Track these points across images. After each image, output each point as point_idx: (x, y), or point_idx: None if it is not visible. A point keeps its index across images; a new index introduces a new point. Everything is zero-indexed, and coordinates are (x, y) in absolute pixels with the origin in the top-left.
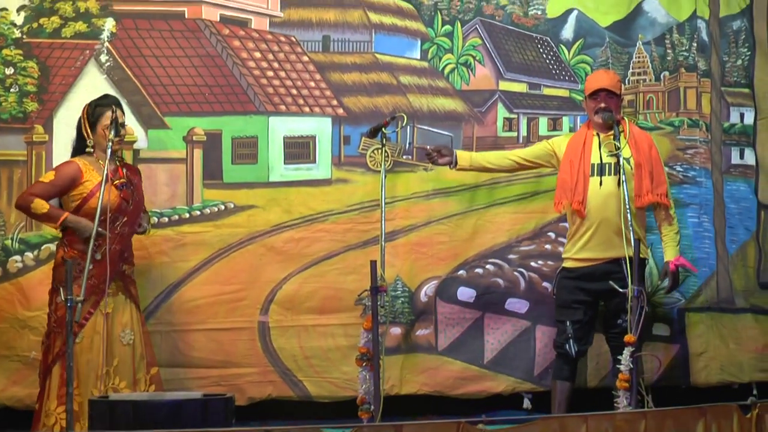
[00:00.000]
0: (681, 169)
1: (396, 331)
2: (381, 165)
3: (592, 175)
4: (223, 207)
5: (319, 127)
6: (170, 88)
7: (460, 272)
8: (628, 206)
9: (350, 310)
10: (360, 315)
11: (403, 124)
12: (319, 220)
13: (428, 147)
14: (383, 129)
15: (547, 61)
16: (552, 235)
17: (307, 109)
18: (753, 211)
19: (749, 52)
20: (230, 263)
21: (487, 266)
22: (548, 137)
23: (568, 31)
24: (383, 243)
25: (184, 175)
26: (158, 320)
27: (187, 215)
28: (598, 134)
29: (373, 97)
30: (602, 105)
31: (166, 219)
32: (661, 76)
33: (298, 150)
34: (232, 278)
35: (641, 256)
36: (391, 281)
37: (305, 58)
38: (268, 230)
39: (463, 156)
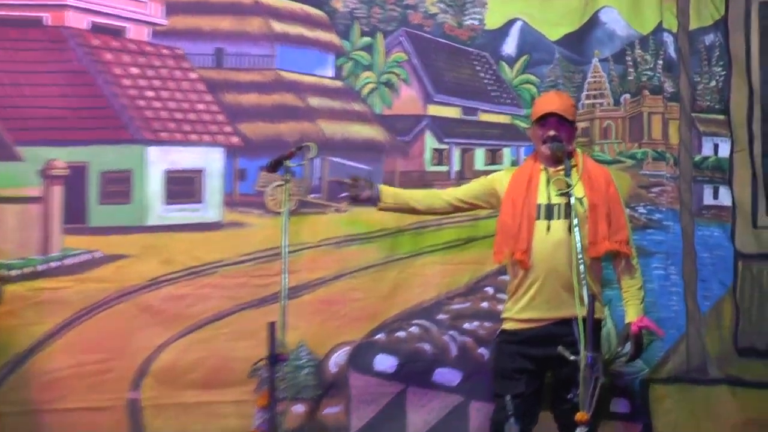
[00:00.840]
0: (644, 211)
1: (299, 409)
2: (283, 205)
3: (539, 218)
4: (87, 256)
5: (208, 159)
6: (24, 110)
7: (378, 336)
8: (580, 256)
9: (243, 383)
10: (255, 390)
11: (312, 156)
12: (207, 273)
13: (345, 179)
14: (287, 162)
15: (486, 80)
16: (490, 290)
17: (194, 136)
18: (729, 261)
19: (724, 72)
20: (95, 326)
21: (411, 329)
22: (486, 172)
23: (510, 46)
24: (284, 301)
25: (39, 218)
26: (3, 399)
27: (43, 267)
28: (546, 169)
29: (276, 122)
30: (551, 133)
31: (16, 272)
32: (621, 99)
33: (182, 187)
34: (97, 345)
35: (596, 316)
36: (294, 347)
37: (193, 75)
38: (142, 285)
39: (387, 192)
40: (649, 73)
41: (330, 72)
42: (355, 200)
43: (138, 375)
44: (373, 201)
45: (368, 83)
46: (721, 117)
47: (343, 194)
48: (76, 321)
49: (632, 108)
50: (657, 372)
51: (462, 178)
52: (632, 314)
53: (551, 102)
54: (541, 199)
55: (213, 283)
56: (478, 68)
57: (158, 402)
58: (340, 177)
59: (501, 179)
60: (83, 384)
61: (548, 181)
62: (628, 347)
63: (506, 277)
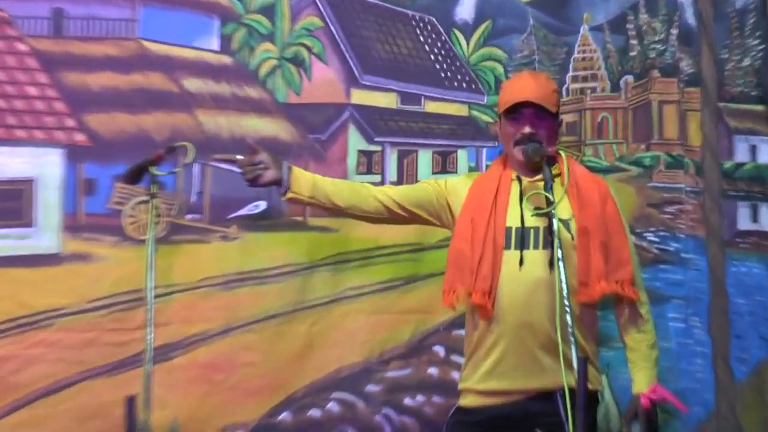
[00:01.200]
0: (655, 239)
1: None
2: (148, 231)
3: (508, 247)
4: None
5: (41, 165)
6: None
7: (283, 416)
8: (567, 302)
9: None
10: None
11: (188, 161)
12: (39, 326)
13: (235, 156)
14: (153, 169)
15: (433, 56)
16: (440, 350)
17: (21, 133)
18: None
19: (762, 45)
20: None
21: (329, 405)
22: None
23: (466, 8)
24: (149, 366)
25: None
26: None
27: None
28: (518, 178)
29: (138, 113)
30: (526, 131)
31: None
32: (622, 82)
33: (3, 204)
34: None
35: (590, 387)
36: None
37: (21, 47)
38: None
39: (302, 177)
40: (658, 46)
41: (214, 43)
42: (254, 183)
43: None
44: (281, 187)
45: (268, 59)
46: (758, 108)
47: (237, 170)
48: None
49: (637, 95)
50: None
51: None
52: (642, 382)
53: (525, 86)
54: (512, 220)
55: (48, 340)
56: (422, 39)
57: None
58: (226, 193)
59: (457, 188)
60: None
61: (522, 196)
62: (637, 429)
63: (462, 332)
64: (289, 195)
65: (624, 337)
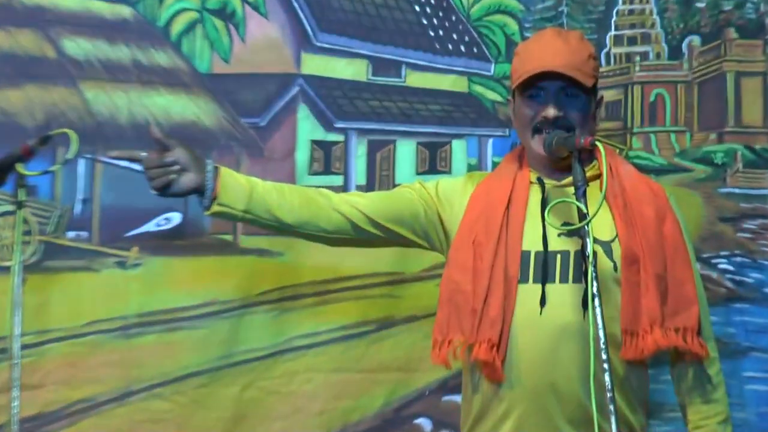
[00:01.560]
0: (730, 267)
1: None
2: (14, 254)
3: (524, 280)
4: None
5: None
6: None
7: None
8: (605, 357)
9: None
10: None
11: (70, 156)
12: None
13: (137, 154)
14: (19, 167)
15: (418, 8)
16: (425, 424)
17: None
18: None
19: None
20: None
21: None
22: None
23: None
24: None
25: None
26: None
27: None
28: (540, 181)
29: (2, 88)
30: (551, 113)
31: None
32: (685, 45)
33: None
34: None
35: None
36: None
37: None
38: None
39: (234, 184)
40: None
41: None
42: (164, 192)
43: None
44: (203, 198)
45: (183, 12)
46: None
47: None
48: None
49: (706, 64)
50: None
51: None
52: None
53: (548, 51)
54: (531, 241)
55: None
56: None
57: None
58: (124, 199)
59: (454, 194)
60: None
61: (544, 206)
62: None
63: (458, 398)
64: (216, 208)
65: (685, 408)
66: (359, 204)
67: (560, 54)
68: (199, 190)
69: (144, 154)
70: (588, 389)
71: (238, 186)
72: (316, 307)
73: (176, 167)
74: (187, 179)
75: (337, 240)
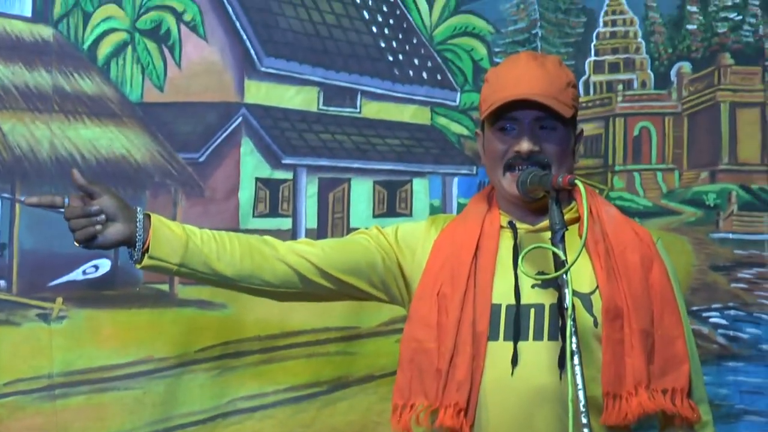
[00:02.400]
0: (723, 322)
1: None
2: None
3: (494, 337)
4: None
5: None
6: None
7: None
8: (585, 423)
9: None
10: None
11: None
12: None
13: (65, 199)
14: None
15: (375, 29)
16: None
17: None
18: None
19: None
20: None
21: None
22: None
23: None
24: None
25: None
26: None
27: None
28: (512, 225)
29: None
30: (524, 147)
31: None
32: (673, 72)
33: None
34: None
35: None
36: None
37: None
38: None
39: (168, 235)
40: (733, 15)
41: (24, 7)
42: (89, 245)
43: None
44: (134, 247)
45: (112, 32)
46: None
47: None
48: None
49: (697, 93)
50: None
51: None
52: None
53: (523, 77)
54: (502, 293)
55: None
56: (359, 1)
57: None
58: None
59: (415, 240)
60: None
61: (517, 253)
62: None
63: None
64: (147, 262)
65: None
66: (308, 254)
67: (536, 80)
68: (128, 242)
69: (66, 200)
70: None
71: (172, 236)
72: (261, 365)
73: (101, 217)
74: (115, 230)
75: (284, 294)
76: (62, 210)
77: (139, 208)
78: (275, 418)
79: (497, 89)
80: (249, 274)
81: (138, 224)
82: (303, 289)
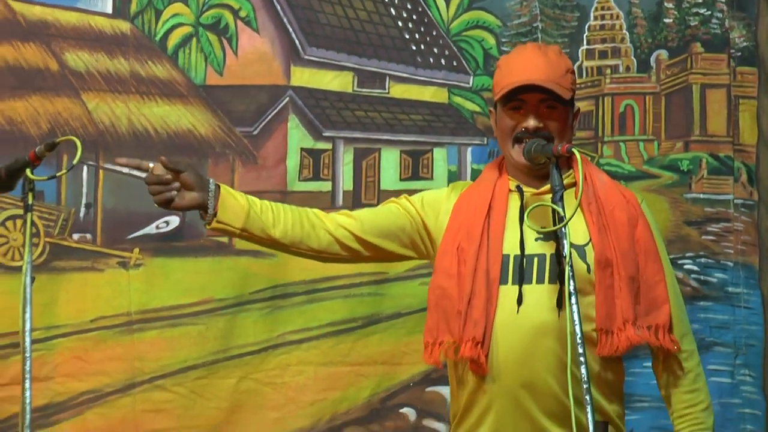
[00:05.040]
0: (695, 268)
1: None
2: (24, 254)
3: (504, 281)
4: None
5: None
6: None
7: None
8: (582, 356)
9: None
10: None
11: (75, 162)
12: None
13: (150, 164)
14: (28, 172)
15: (401, 24)
16: (410, 413)
17: None
18: None
19: None
20: None
21: None
22: (404, 192)
23: None
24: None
25: None
26: None
27: None
28: (519, 189)
29: (5, 98)
30: (530, 123)
31: None
32: (653, 59)
33: None
34: None
35: None
36: None
37: None
38: None
39: (233, 204)
40: (703, 11)
41: (106, 5)
42: (166, 206)
43: None
44: (206, 210)
45: (179, 26)
46: None
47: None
48: None
49: (673, 76)
50: None
51: (358, 204)
52: None
53: (529, 65)
54: (510, 245)
55: None
56: (387, 0)
57: None
58: (126, 202)
59: (438, 205)
60: None
61: (522, 212)
62: None
63: (440, 389)
64: (215, 225)
65: (669, 398)
66: (348, 224)
67: (540, 68)
68: (201, 208)
69: (151, 165)
70: (564, 383)
71: (237, 205)
72: (306, 304)
73: (176, 185)
74: (190, 197)
75: (326, 258)
76: (140, 175)
77: (211, 180)
78: (318, 348)
79: (508, 75)
80: (298, 241)
81: (210, 193)
82: (343, 254)
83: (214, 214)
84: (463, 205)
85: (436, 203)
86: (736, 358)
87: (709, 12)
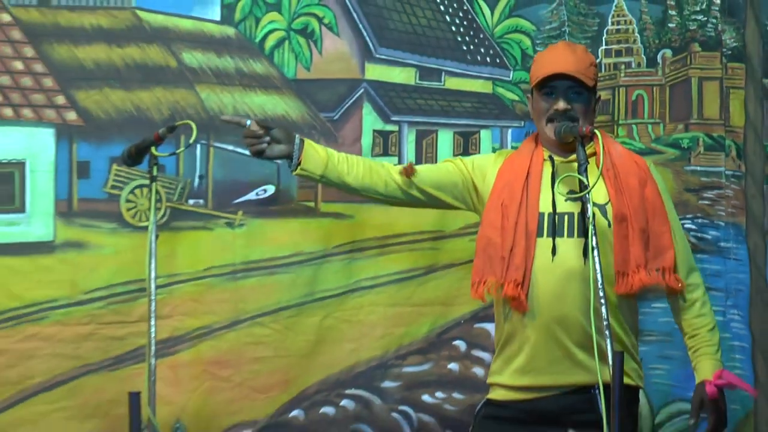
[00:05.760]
0: (693, 227)
1: None
2: (149, 216)
3: (540, 234)
4: None
5: (31, 146)
6: None
7: (295, 413)
8: (602, 293)
9: None
10: None
11: (191, 141)
12: (32, 319)
13: (247, 121)
14: (153, 149)
15: (454, 28)
16: (461, 345)
17: (8, 111)
18: None
19: None
20: None
21: (344, 402)
22: None
23: None
24: (153, 360)
25: None
26: None
27: None
28: (551, 158)
29: (134, 90)
30: (560, 106)
31: None
32: (659, 57)
33: None
34: None
35: (630, 381)
36: (168, 430)
37: (5, 18)
38: None
39: (314, 153)
40: (700, 17)
41: (215, 13)
42: (261, 156)
43: None
44: (292, 159)
45: (274, 31)
46: None
47: (253, 144)
48: None
49: (675, 71)
50: None
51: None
52: (706, 370)
53: (560, 58)
54: (544, 205)
55: (42, 334)
56: (442, 9)
57: None
58: (231, 175)
59: (486, 168)
60: None
61: (554, 178)
62: (704, 423)
63: (485, 326)
64: (298, 171)
65: (681, 323)
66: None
67: (569, 61)
68: (288, 157)
69: (249, 121)
70: (589, 319)
71: (317, 156)
72: (377, 256)
73: (266, 139)
74: (279, 149)
75: (390, 202)
76: (242, 152)
77: (297, 135)
78: (386, 292)
79: (542, 66)
80: (367, 187)
81: (295, 146)
82: (404, 198)
83: (298, 163)
84: (506, 169)
85: (484, 166)
86: (727, 300)
87: (705, 18)
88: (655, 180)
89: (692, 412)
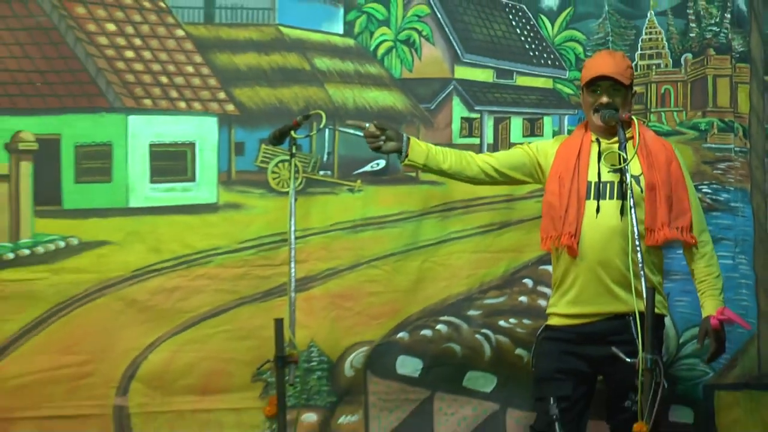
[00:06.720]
0: (709, 191)
1: (311, 418)
2: (289, 184)
3: (588, 198)
4: (62, 244)
5: (199, 131)
6: None
7: (401, 335)
8: (638, 243)
9: (245, 389)
10: (259, 396)
11: (321, 126)
12: (200, 263)
13: (362, 123)
14: (292, 133)
15: (523, 38)
16: (528, 282)
17: (182, 104)
18: None
19: None
20: (72, 324)
21: (438, 327)
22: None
23: None
24: (293, 294)
25: (6, 199)
26: None
27: (11, 255)
28: (597, 140)
29: (277, 87)
30: (604, 100)
31: None
32: (682, 59)
33: (170, 163)
34: (75, 345)
35: (657, 311)
36: (304, 348)
37: (180, 33)
38: (126, 277)
39: (418, 147)
40: (714, 28)
41: (339, 28)
42: (377, 151)
43: (124, 379)
44: (401, 153)
45: (384, 41)
46: None
47: (368, 138)
48: (51, 318)
49: (695, 70)
50: (723, 377)
51: (496, 151)
52: (711, 307)
53: (603, 63)
54: (592, 176)
55: (208, 274)
56: (514, 23)
57: (148, 409)
58: (352, 152)
59: (547, 150)
60: (61, 389)
61: (600, 155)
62: (708, 345)
63: (547, 267)
64: (406, 162)
65: (693, 270)
66: (490, 161)
67: (610, 65)
68: (398, 151)
69: (367, 125)
70: (627, 263)
71: (420, 150)
72: (463, 215)
73: (383, 138)
74: (391, 145)
75: (476, 182)
76: (360, 134)
77: (405, 134)
78: (471, 242)
79: (589, 70)
80: (458, 172)
81: (404, 142)
82: (486, 179)
83: (406, 155)
84: (562, 150)
85: (545, 149)
86: (736, 247)
87: (719, 29)
88: (678, 159)
89: (699, 339)
